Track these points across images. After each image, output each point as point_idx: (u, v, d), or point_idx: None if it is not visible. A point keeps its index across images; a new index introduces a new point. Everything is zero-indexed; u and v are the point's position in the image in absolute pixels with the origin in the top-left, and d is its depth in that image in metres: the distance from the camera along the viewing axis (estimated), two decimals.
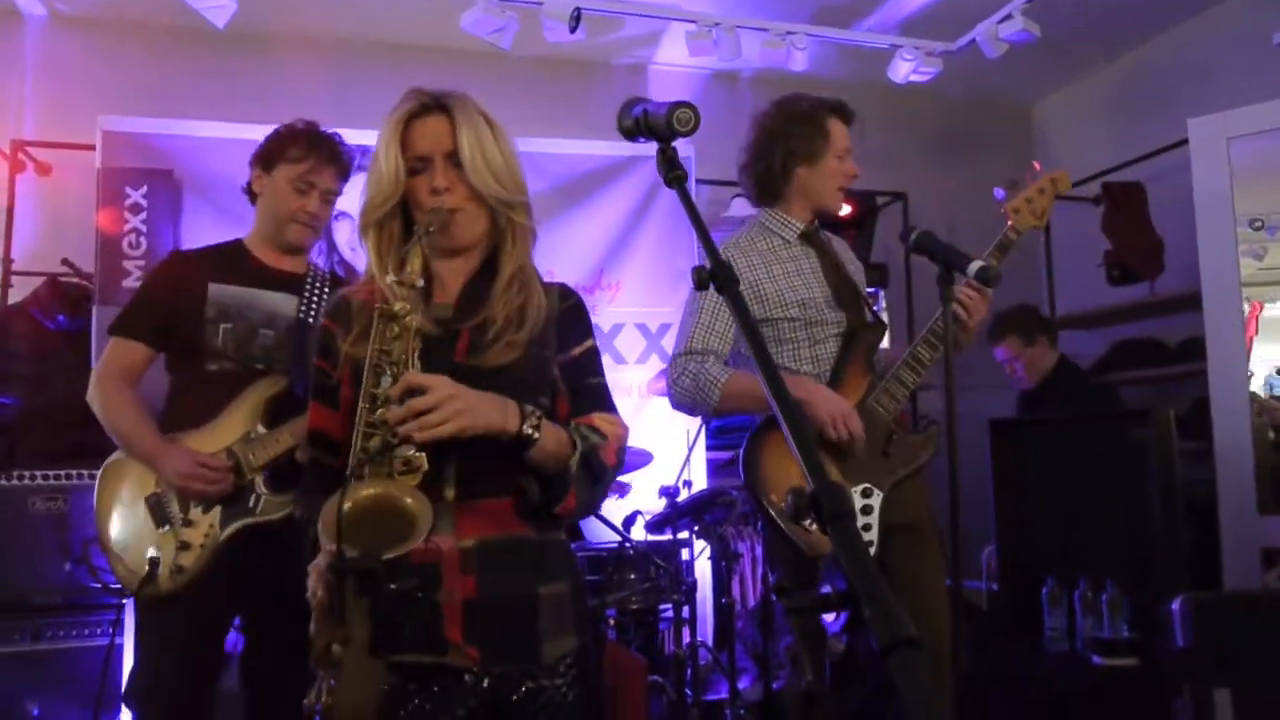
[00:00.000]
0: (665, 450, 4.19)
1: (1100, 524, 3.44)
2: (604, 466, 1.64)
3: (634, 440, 3.93)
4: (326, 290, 2.55)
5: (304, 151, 2.47)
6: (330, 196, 2.55)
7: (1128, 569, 3.30)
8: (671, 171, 1.26)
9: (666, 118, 1.26)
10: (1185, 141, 3.94)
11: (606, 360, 4.32)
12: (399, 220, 1.67)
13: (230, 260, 2.51)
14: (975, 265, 2.22)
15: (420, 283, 1.58)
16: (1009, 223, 2.55)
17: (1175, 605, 2.55)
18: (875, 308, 2.78)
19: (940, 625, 2.34)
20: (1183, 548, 3.30)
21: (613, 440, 1.67)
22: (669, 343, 4.57)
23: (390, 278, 1.58)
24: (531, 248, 1.73)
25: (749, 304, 2.45)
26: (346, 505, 1.42)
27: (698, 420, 4.27)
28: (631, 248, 4.52)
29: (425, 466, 1.50)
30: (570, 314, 1.73)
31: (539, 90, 5.09)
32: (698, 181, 4.72)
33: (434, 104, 1.67)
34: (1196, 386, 4.06)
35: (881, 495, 2.36)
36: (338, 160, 2.54)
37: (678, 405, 2.50)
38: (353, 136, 4.22)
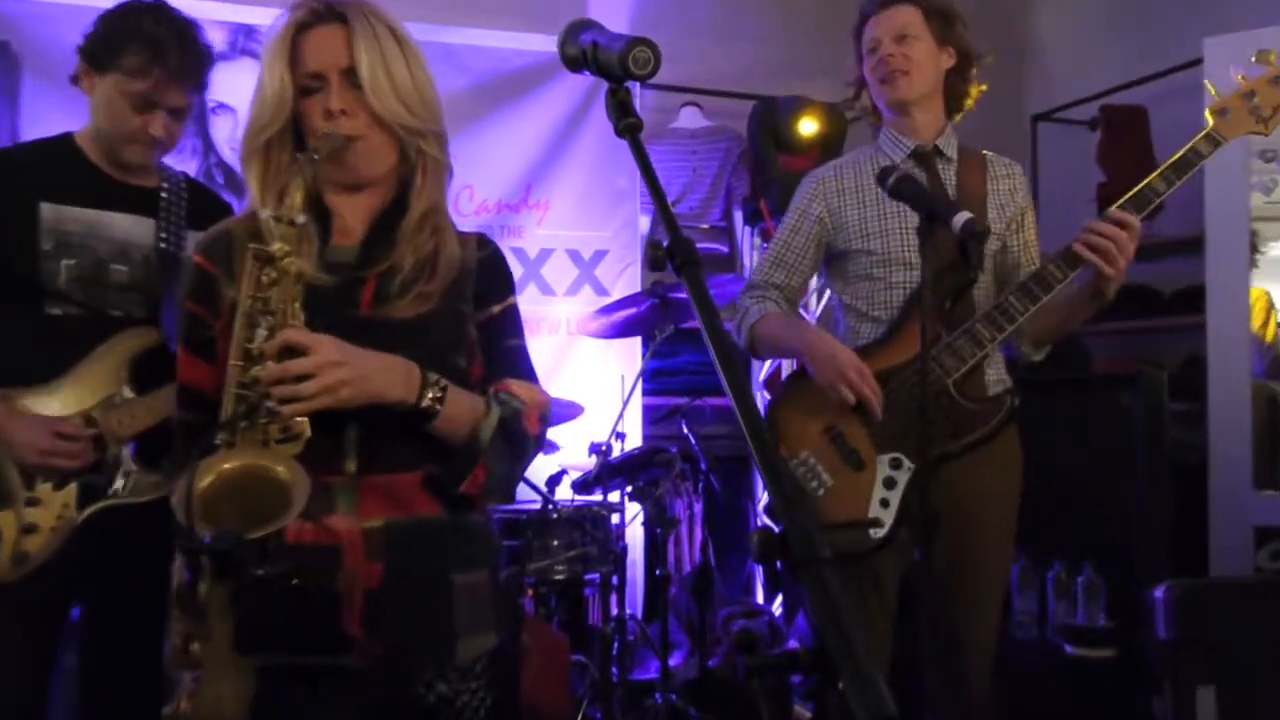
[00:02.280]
0: (597, 400, 4.16)
1: (1078, 499, 3.44)
2: (525, 435, 1.65)
3: (562, 388, 4.09)
4: (187, 209, 2.34)
5: (143, 62, 2.16)
6: (182, 113, 2.29)
7: (1108, 550, 3.33)
8: (623, 118, 1.24)
9: (621, 55, 1.23)
10: (1198, 62, 3.87)
11: (531, 291, 4.44)
12: (289, 148, 1.64)
13: (63, 168, 2.25)
14: (962, 216, 2.13)
15: (300, 218, 1.55)
16: (1207, 128, 2.34)
17: (1158, 593, 2.55)
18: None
19: (976, 641, 2.40)
20: (1166, 527, 3.31)
21: (534, 407, 1.68)
22: (605, 273, 4.52)
23: (266, 212, 1.56)
24: (446, 184, 1.72)
25: (831, 232, 2.58)
26: (206, 479, 1.40)
27: (636, 364, 4.25)
28: (564, 161, 4.43)
29: (307, 433, 1.49)
30: (489, 265, 1.72)
31: None
32: (642, 85, 4.56)
33: (327, 12, 1.63)
34: (1192, 341, 4.03)
35: (912, 470, 2.34)
36: (189, 73, 2.23)
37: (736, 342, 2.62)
38: (236, 12, 4.16)
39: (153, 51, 2.17)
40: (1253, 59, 2.39)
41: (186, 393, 1.67)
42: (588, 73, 1.32)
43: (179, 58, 2.20)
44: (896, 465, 2.37)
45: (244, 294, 1.53)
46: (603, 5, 4.82)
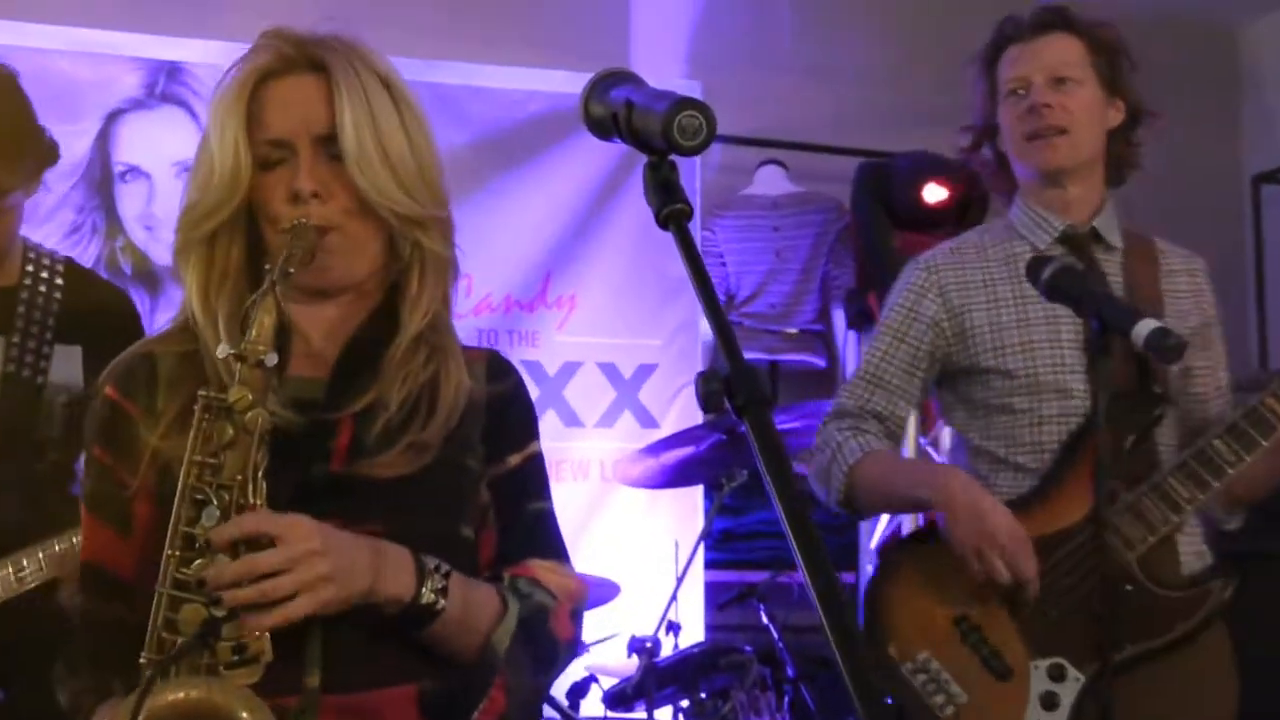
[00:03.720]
0: (640, 576, 4.15)
1: None
2: (553, 641, 1.68)
3: (591, 559, 3.98)
4: (58, 312, 2.40)
5: None
6: (12, 211, 2.38)
7: None
8: (667, 203, 1.27)
9: (663, 120, 1.24)
10: None
11: (550, 422, 4.44)
12: (240, 238, 1.67)
13: None
14: (1147, 325, 2.13)
15: (272, 358, 1.54)
16: None
17: None
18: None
19: None
20: None
21: (565, 600, 1.71)
22: (653, 396, 4.53)
23: (224, 348, 1.56)
24: (451, 289, 1.75)
25: (950, 343, 2.58)
26: None
27: (697, 524, 4.24)
28: (596, 241, 4.50)
29: (268, 656, 1.50)
30: (507, 401, 1.76)
31: None
32: None
33: (299, 57, 1.66)
34: None
35: (1081, 683, 2.33)
36: (18, 164, 2.31)
37: (814, 492, 2.63)
38: (155, 46, 4.29)
39: None
40: None
41: (92, 573, 1.68)
42: (618, 141, 1.34)
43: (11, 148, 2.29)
44: (1058, 675, 2.35)
45: (188, 457, 1.53)
46: (650, 31, 4.98)
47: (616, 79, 1.36)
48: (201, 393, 1.55)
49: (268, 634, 1.49)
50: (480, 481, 1.70)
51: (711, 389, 1.16)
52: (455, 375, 1.68)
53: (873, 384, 2.60)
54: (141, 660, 1.48)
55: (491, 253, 4.33)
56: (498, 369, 1.77)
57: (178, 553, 1.51)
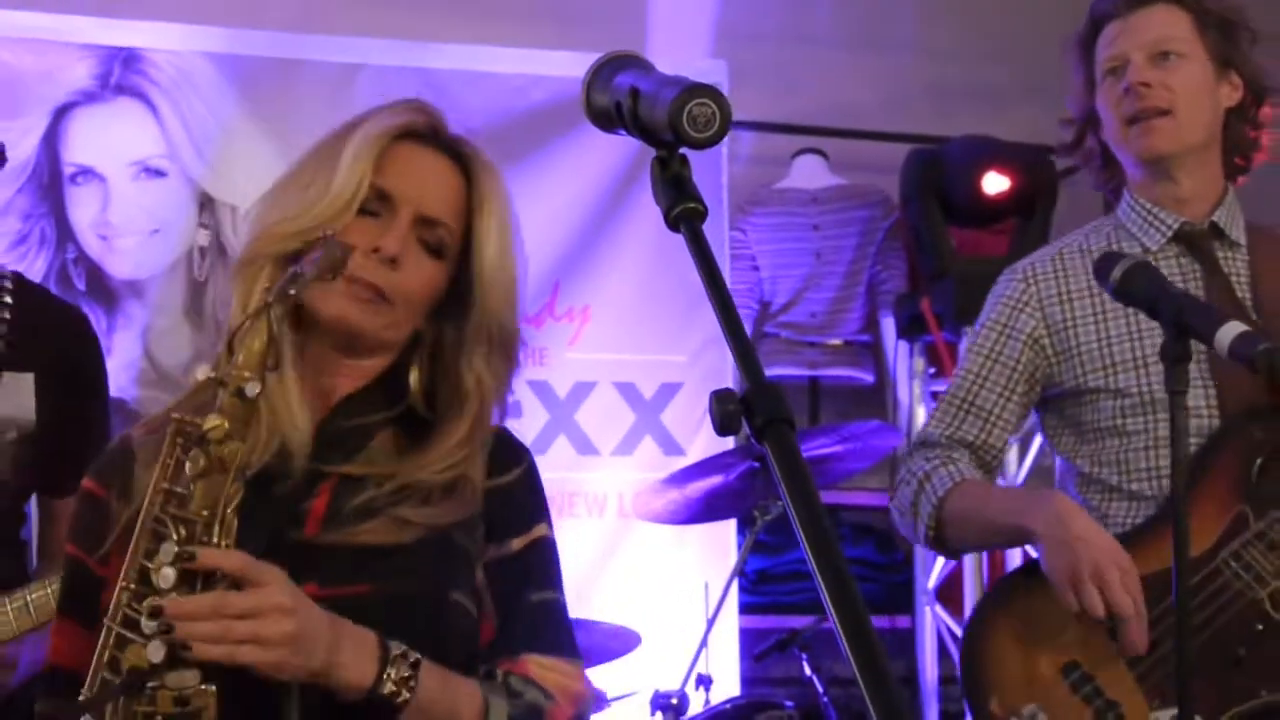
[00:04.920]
0: (665, 622, 4.14)
1: None
2: None
3: (608, 603, 4.04)
4: (10, 325, 2.44)
5: None
6: None
7: None
8: (678, 202, 1.29)
9: (671, 109, 1.25)
10: None
11: (560, 449, 4.47)
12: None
13: None
14: (1231, 330, 2.12)
15: (254, 388, 1.59)
16: None
17: None
18: None
19: None
20: None
21: (564, 703, 1.74)
22: (678, 419, 4.54)
23: (204, 369, 1.67)
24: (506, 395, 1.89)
25: (1053, 362, 2.61)
26: None
27: (728, 563, 4.25)
28: (611, 245, 4.51)
29: (209, 711, 1.52)
30: (510, 489, 1.83)
31: None
32: (734, 125, 4.67)
33: (444, 137, 1.85)
34: None
35: None
36: None
37: (900, 530, 2.68)
38: (109, 30, 4.29)
39: None
40: None
41: (55, 677, 1.73)
42: (624, 134, 1.36)
43: None
44: None
45: (153, 484, 1.59)
46: (669, 4, 5.01)
47: (621, 63, 1.38)
48: (175, 415, 1.60)
49: (214, 690, 1.52)
50: (476, 561, 1.76)
51: (728, 409, 1.17)
52: (474, 474, 1.77)
53: (963, 410, 2.62)
54: (80, 699, 1.51)
55: None
56: (503, 458, 1.83)
57: (132, 585, 1.54)
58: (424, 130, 1.82)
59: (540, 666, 1.74)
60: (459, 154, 1.82)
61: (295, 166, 1.81)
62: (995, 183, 4.61)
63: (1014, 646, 2.44)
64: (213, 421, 1.55)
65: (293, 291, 1.60)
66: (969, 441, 2.61)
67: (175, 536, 1.55)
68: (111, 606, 1.55)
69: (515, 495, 1.82)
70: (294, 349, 1.72)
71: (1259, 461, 2.42)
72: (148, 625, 1.50)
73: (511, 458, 1.84)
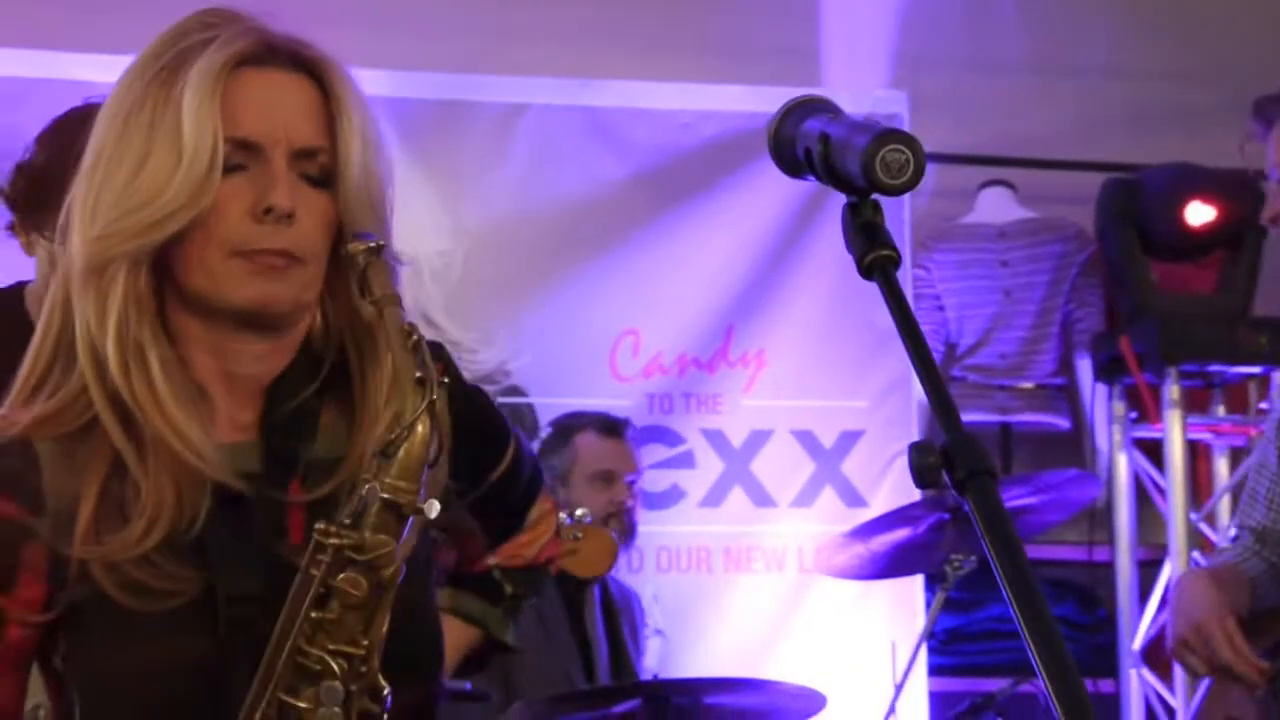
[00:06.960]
0: (849, 683, 4.11)
1: None
2: None
3: (789, 662, 4.03)
4: None
5: None
6: None
7: None
8: (871, 249, 1.31)
9: (865, 156, 1.29)
10: None
11: (737, 501, 4.48)
12: (148, 261, 1.62)
13: None
14: None
15: (433, 509, 1.53)
16: None
17: None
18: None
19: None
20: None
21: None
22: (860, 469, 4.52)
23: (374, 488, 1.53)
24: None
25: None
26: None
27: (917, 621, 4.25)
28: (787, 287, 4.50)
29: None
30: (469, 421, 1.78)
31: None
32: None
33: (285, 50, 1.63)
34: None
35: None
36: None
37: None
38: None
39: None
40: None
41: None
42: (812, 179, 1.39)
43: None
44: None
45: (303, 612, 1.51)
46: (844, 33, 4.97)
47: (808, 108, 1.41)
48: (320, 526, 1.49)
49: None
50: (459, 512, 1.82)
51: (928, 461, 1.19)
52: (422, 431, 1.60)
53: (1250, 498, 2.72)
54: None
55: (661, 304, 4.37)
56: (453, 388, 1.71)
57: None
58: (258, 51, 1.62)
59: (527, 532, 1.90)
60: (303, 62, 1.63)
61: (108, 140, 1.60)
62: (1199, 213, 4.52)
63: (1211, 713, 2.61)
64: (380, 543, 1.49)
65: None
66: (1253, 525, 2.71)
67: (337, 673, 1.49)
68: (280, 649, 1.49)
69: (477, 425, 1.82)
70: (167, 364, 1.57)
71: None
72: None
73: (463, 389, 1.80)
